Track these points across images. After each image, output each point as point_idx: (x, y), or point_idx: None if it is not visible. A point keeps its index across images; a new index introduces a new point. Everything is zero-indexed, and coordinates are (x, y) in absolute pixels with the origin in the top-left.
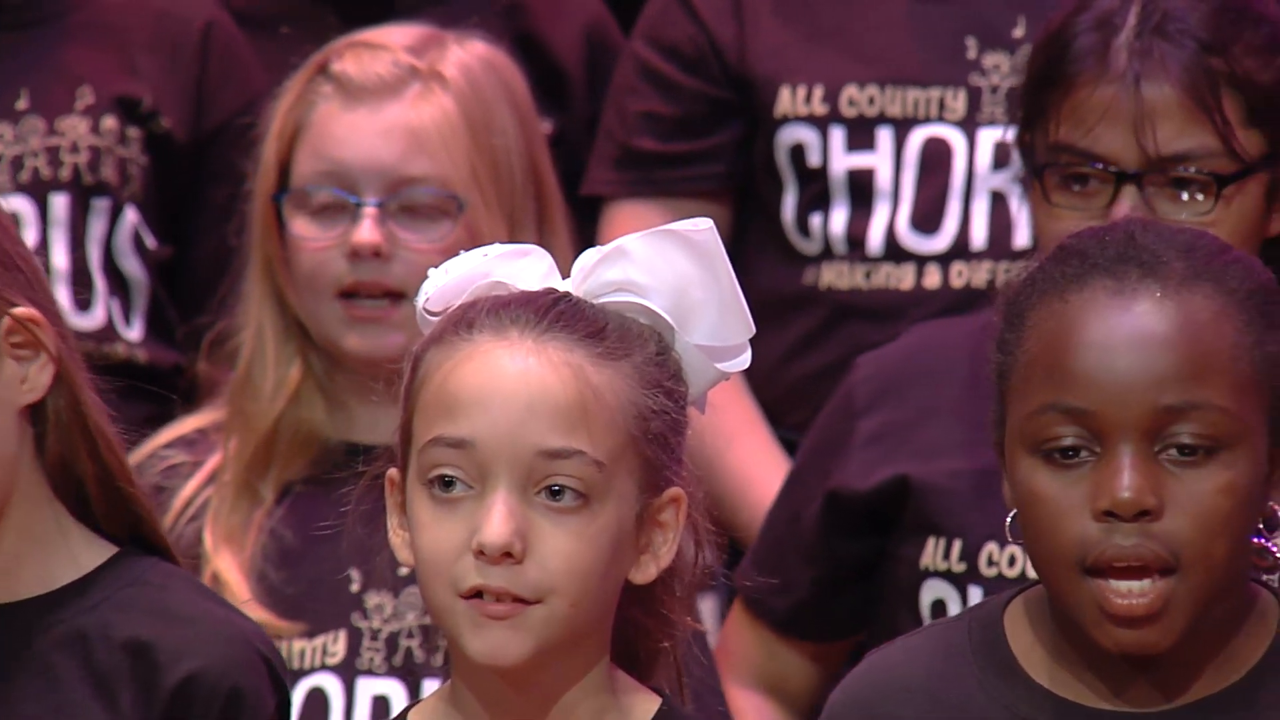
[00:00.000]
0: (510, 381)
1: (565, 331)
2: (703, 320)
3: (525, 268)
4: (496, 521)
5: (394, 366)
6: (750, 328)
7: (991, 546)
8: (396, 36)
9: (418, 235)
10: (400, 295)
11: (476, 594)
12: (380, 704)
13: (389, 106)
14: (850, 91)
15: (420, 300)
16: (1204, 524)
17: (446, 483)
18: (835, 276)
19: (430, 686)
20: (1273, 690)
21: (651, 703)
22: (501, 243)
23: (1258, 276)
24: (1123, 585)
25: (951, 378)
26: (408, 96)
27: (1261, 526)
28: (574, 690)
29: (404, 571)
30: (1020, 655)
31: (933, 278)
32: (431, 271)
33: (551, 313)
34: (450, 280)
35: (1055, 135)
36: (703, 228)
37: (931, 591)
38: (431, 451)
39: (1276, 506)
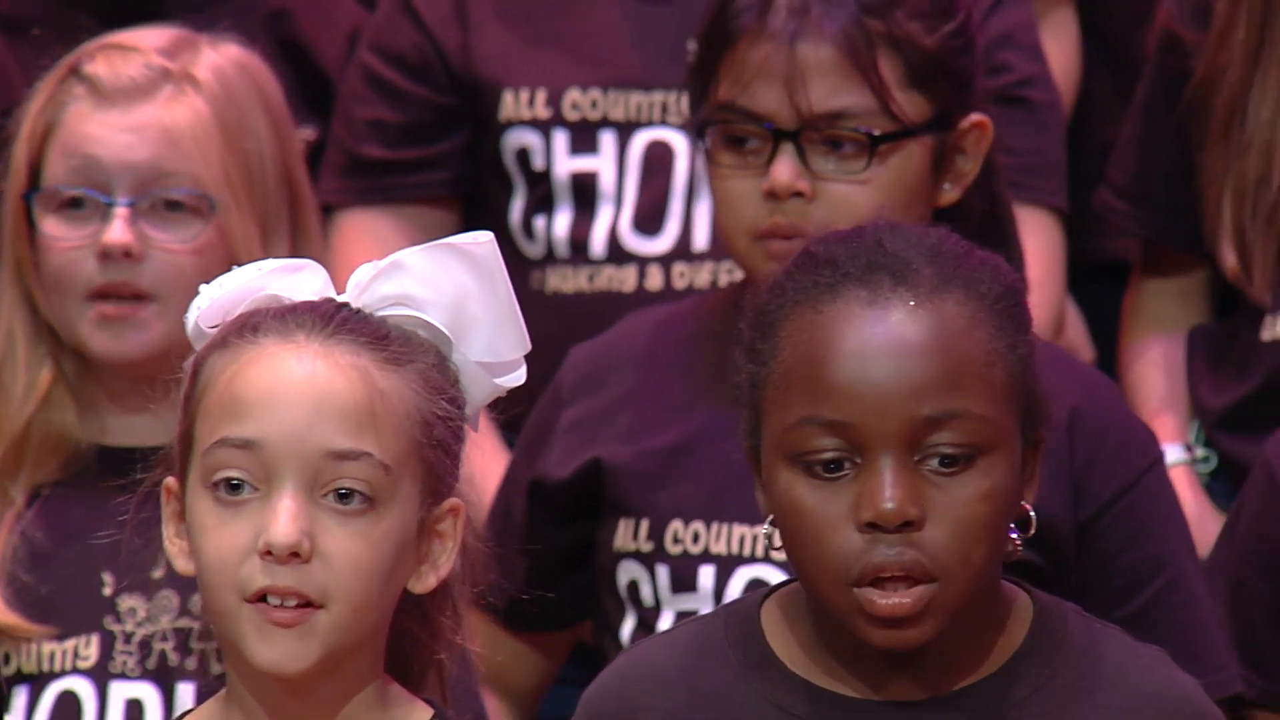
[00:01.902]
0: (297, 383)
1: (351, 336)
2: (480, 335)
3: (300, 282)
4: (284, 521)
5: (173, 377)
6: (526, 343)
7: (676, 524)
8: (149, 39)
9: (169, 235)
10: (149, 297)
11: (262, 598)
12: (134, 708)
13: (141, 107)
14: (573, 95)
15: (193, 315)
16: (965, 532)
17: (232, 485)
18: (560, 280)
19: (184, 690)
20: (1026, 682)
21: (423, 714)
22: (254, 246)
23: (1004, 278)
24: (886, 588)
25: (651, 362)
26: (160, 98)
27: (1013, 525)
28: (352, 700)
29: (158, 575)
30: (778, 649)
31: (655, 279)
32: (204, 287)
33: (337, 318)
34: (224, 295)
35: (718, 95)
36: (483, 241)
37: (626, 573)
38: (216, 453)
39: (1027, 506)
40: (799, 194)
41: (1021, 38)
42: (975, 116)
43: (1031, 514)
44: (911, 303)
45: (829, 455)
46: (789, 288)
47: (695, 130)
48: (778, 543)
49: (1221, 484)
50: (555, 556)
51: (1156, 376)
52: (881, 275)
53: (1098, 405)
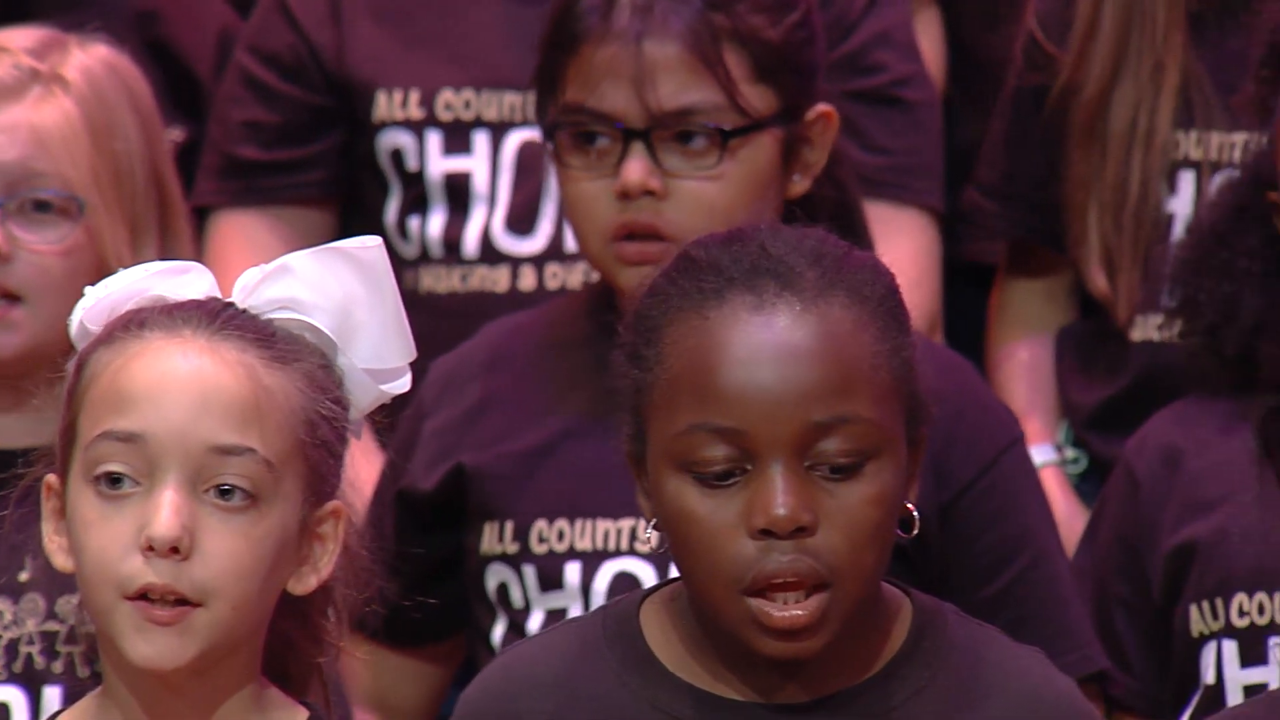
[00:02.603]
0: (183, 377)
1: (238, 333)
2: (366, 341)
3: (186, 284)
4: (166, 515)
5: (55, 375)
6: (412, 350)
7: (541, 524)
8: (17, 39)
9: (37, 236)
10: (18, 297)
11: (143, 596)
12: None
13: (10, 108)
14: (446, 96)
15: (77, 315)
16: (856, 536)
17: (114, 479)
18: (433, 280)
19: (51, 694)
20: (907, 683)
21: (300, 718)
22: (123, 248)
23: (883, 279)
24: (779, 599)
25: (509, 367)
26: (29, 99)
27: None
28: (229, 701)
29: (24, 578)
30: (658, 650)
31: (528, 279)
32: (89, 289)
33: (223, 315)
34: (109, 295)
35: (565, 96)
36: (371, 246)
37: (495, 576)
38: (99, 447)
39: (910, 505)
40: (651, 193)
41: (898, 37)
42: (821, 107)
43: (915, 513)
44: (798, 307)
45: (719, 468)
46: (671, 293)
47: (544, 134)
48: (661, 545)
49: (1091, 484)
50: (429, 567)
51: (1025, 377)
52: (766, 280)
53: (955, 385)
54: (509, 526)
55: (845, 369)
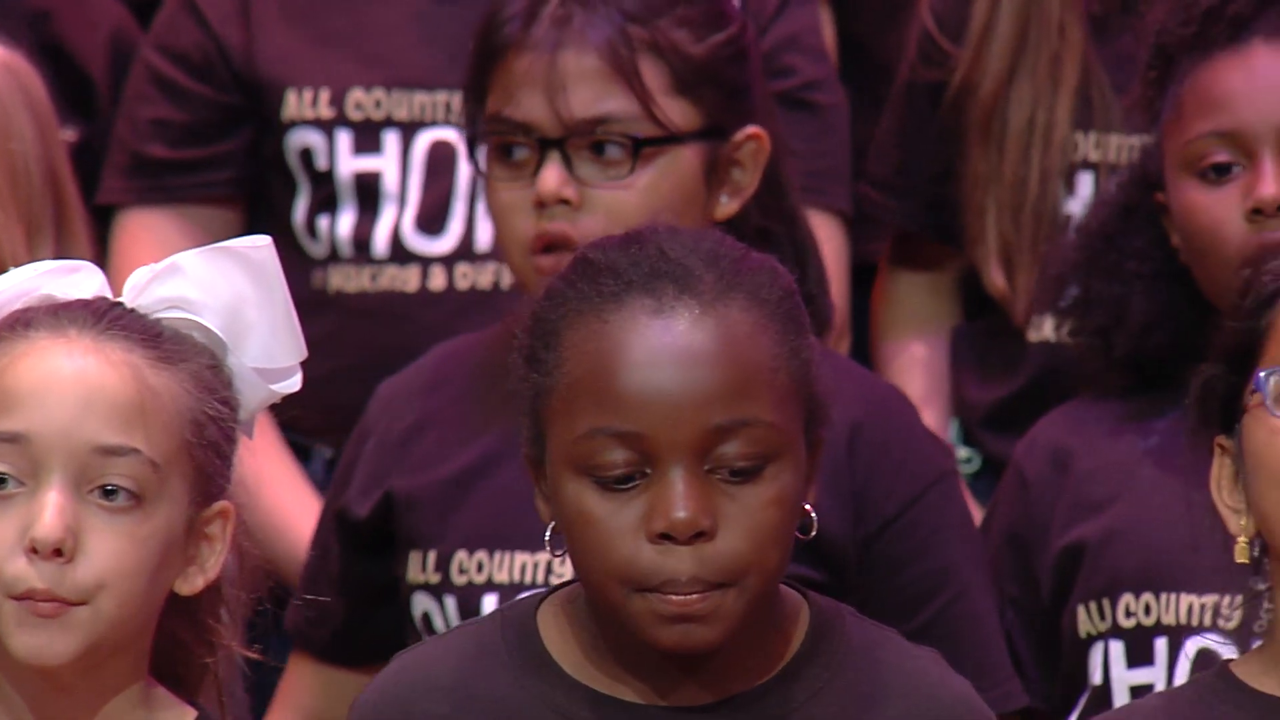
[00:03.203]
0: (68, 377)
1: (124, 333)
2: (255, 340)
3: (76, 283)
4: (49, 516)
5: None
6: (302, 350)
7: (461, 554)
8: None
9: None
10: None
11: (27, 597)
12: None
13: None
14: (356, 95)
15: None
16: (757, 539)
17: None
18: (343, 279)
19: None
20: (805, 685)
21: (187, 718)
22: (19, 247)
23: (782, 281)
24: (676, 596)
25: (446, 390)
26: None
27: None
28: (115, 700)
29: None
30: (555, 652)
31: (438, 279)
32: None
33: (110, 315)
34: None
35: (488, 107)
36: (260, 245)
37: (419, 605)
38: None
39: (808, 507)
40: (566, 201)
41: (807, 41)
42: (751, 129)
43: (812, 515)
44: (697, 310)
45: (619, 472)
46: (570, 296)
47: (471, 144)
48: (560, 547)
49: (985, 484)
50: (370, 589)
51: (914, 375)
52: (665, 283)
53: (882, 418)
54: (432, 556)
55: (744, 372)
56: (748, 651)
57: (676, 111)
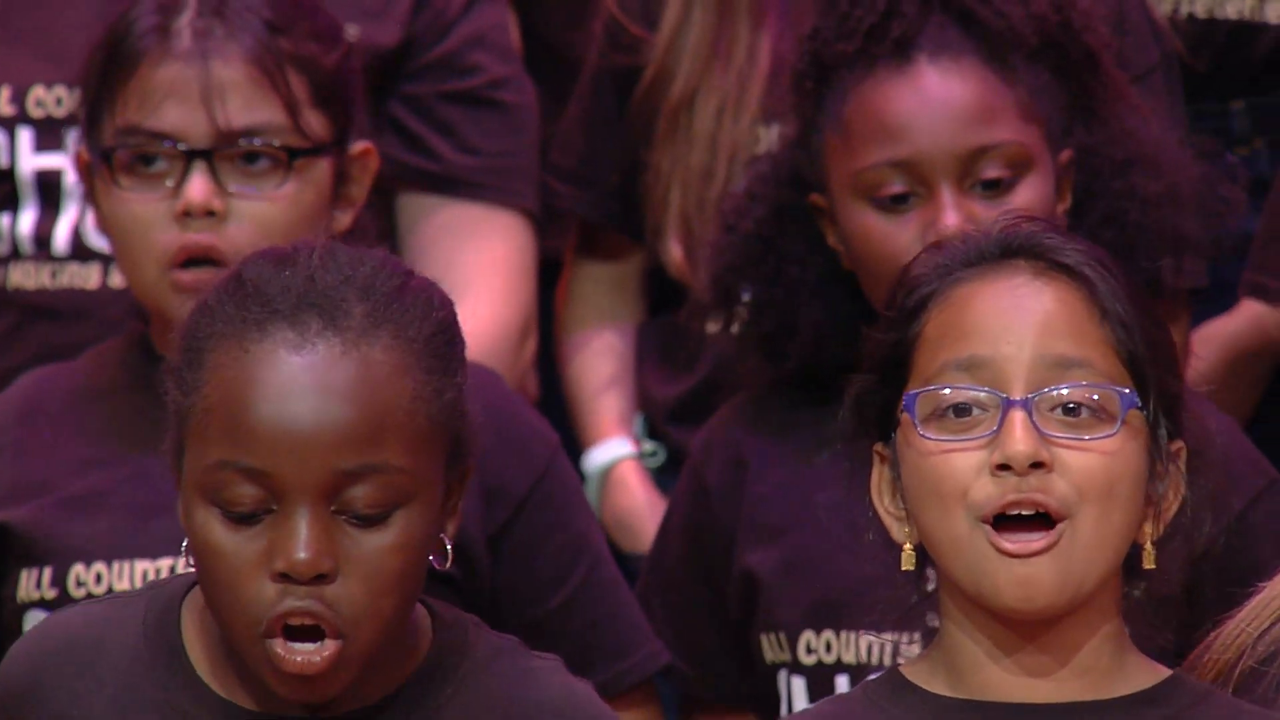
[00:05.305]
0: None
1: None
2: None
3: None
4: None
5: None
6: None
7: (79, 568)
8: None
9: None
10: None
11: None
12: None
13: None
14: (38, 92)
15: None
16: (376, 586)
17: None
18: (23, 276)
19: None
20: (429, 697)
21: None
22: None
23: (436, 314)
24: (295, 646)
25: (44, 416)
26: None
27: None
28: None
29: None
30: (189, 645)
31: (119, 277)
32: None
33: None
34: None
35: (123, 118)
36: None
37: (33, 622)
38: None
39: (447, 538)
40: (212, 213)
41: (494, 39)
42: (364, 143)
43: (449, 546)
44: (339, 349)
45: (246, 508)
46: (218, 316)
47: (98, 157)
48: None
49: (671, 477)
50: None
51: (600, 368)
52: (311, 315)
53: (488, 404)
54: (47, 573)
55: (379, 416)
56: (369, 667)
57: (317, 122)
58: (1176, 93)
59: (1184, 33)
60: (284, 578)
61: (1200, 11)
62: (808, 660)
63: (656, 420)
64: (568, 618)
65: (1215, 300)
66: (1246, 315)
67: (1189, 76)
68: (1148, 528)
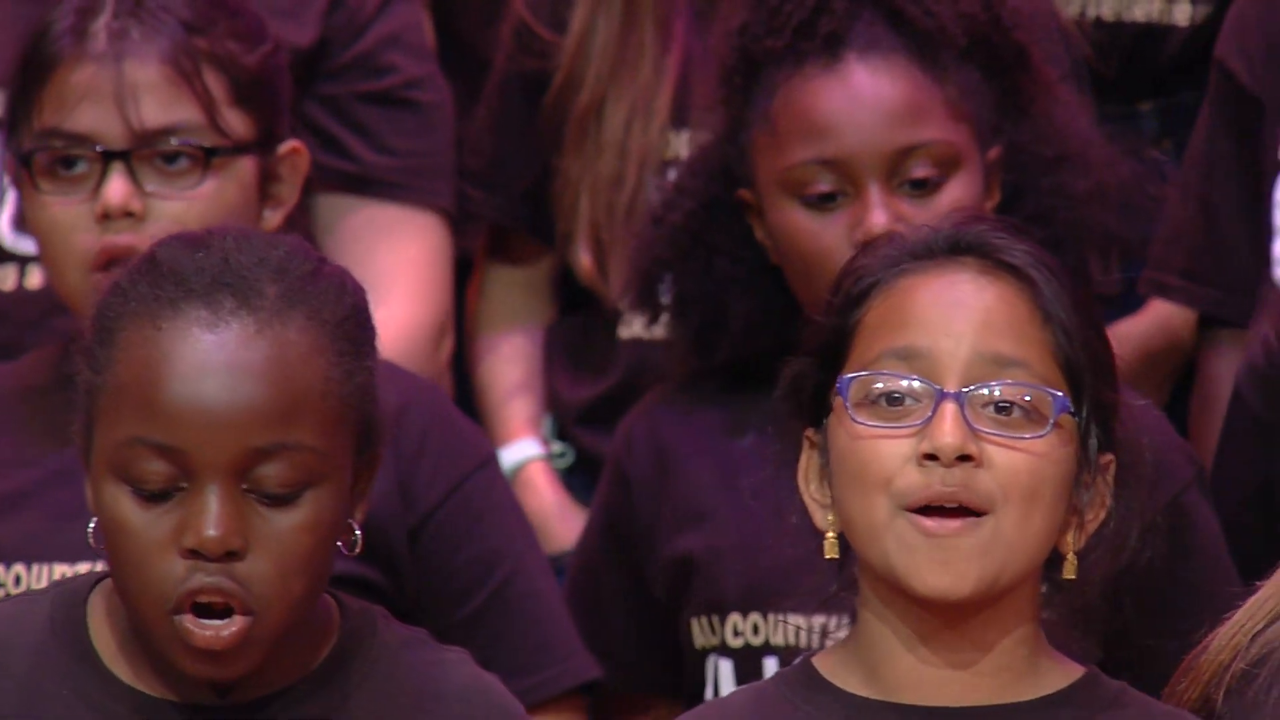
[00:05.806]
0: None
1: None
2: None
3: None
4: None
5: None
6: None
7: None
8: None
9: None
10: None
11: None
12: None
13: None
14: None
15: None
16: (285, 565)
17: None
18: None
19: None
20: (337, 686)
21: None
22: None
23: (348, 299)
24: (205, 621)
25: None
26: None
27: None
28: None
29: None
30: (96, 637)
31: (35, 278)
32: None
33: None
34: None
35: (41, 121)
36: None
37: None
38: None
39: (356, 524)
40: (132, 214)
41: (409, 39)
42: (293, 142)
43: (358, 533)
44: (253, 328)
45: (156, 485)
46: (131, 295)
47: (21, 160)
48: (102, 543)
49: (580, 478)
50: None
51: (509, 370)
52: (224, 294)
53: (421, 405)
54: None
55: (292, 395)
56: (277, 655)
57: (237, 121)
58: (1086, 95)
59: (1091, 36)
60: (194, 554)
61: (1108, 14)
62: (735, 643)
63: (565, 422)
64: (480, 625)
65: (1122, 301)
66: (1154, 316)
67: (1096, 79)
68: (1070, 537)
